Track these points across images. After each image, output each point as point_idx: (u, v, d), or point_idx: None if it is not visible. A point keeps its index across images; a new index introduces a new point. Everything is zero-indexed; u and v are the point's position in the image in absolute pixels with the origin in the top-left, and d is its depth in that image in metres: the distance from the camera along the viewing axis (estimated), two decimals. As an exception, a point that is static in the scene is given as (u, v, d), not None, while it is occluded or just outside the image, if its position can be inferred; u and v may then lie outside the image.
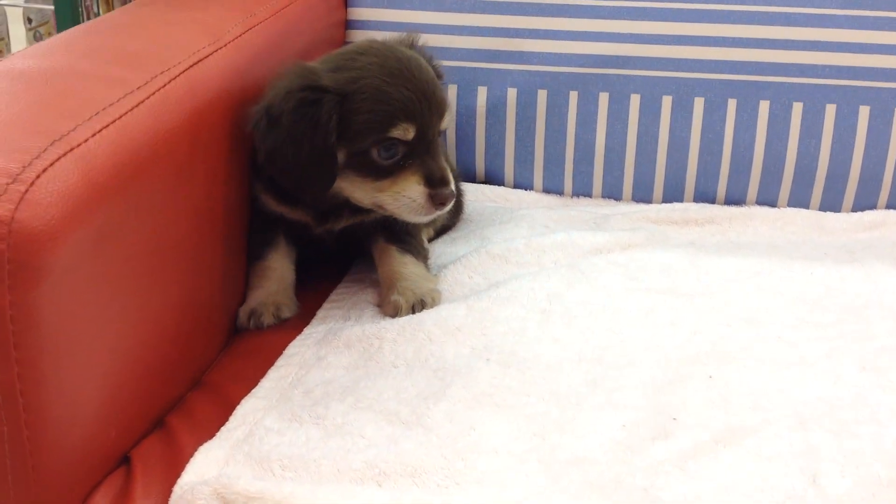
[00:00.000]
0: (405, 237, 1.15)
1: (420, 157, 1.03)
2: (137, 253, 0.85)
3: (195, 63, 0.99)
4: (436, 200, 1.03)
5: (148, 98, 0.89)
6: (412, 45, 1.12)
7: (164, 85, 0.92)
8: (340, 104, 1.00)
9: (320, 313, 1.13)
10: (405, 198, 1.03)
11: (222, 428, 0.91)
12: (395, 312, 1.08)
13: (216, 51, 1.03)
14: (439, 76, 1.10)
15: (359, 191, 1.05)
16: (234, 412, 0.93)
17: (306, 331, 1.09)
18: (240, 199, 1.09)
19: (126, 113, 0.85)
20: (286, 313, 1.11)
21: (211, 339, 1.05)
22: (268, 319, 1.09)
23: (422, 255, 1.17)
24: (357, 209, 1.11)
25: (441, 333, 1.02)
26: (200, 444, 0.88)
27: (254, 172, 1.10)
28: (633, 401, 0.90)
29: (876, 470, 0.80)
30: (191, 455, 0.86)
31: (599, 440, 0.85)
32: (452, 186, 1.05)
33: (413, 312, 1.07)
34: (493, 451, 0.84)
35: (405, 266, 1.13)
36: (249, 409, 0.93)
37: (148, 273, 0.88)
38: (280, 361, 1.02)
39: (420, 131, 1.02)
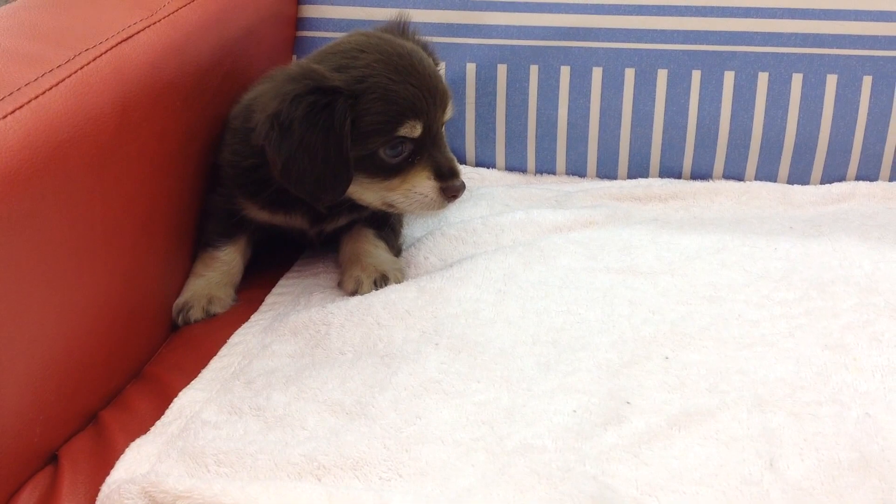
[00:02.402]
0: (386, 228, 1.14)
1: (427, 151, 1.01)
2: (57, 241, 0.81)
3: (124, 39, 0.94)
4: (448, 193, 1.02)
5: (68, 77, 0.85)
6: (404, 31, 1.08)
7: (88, 63, 0.88)
8: (352, 106, 0.96)
9: (269, 299, 1.09)
10: (417, 194, 1.01)
11: (157, 422, 0.87)
12: (355, 287, 1.06)
13: (148, 27, 0.98)
14: (436, 63, 1.07)
15: (368, 192, 1.02)
16: (171, 405, 0.89)
17: (253, 318, 1.05)
18: (183, 182, 1.05)
19: (42, 93, 0.81)
20: (217, 308, 1.06)
21: (152, 328, 1.01)
22: (196, 314, 1.05)
23: (394, 249, 1.15)
24: (355, 207, 1.08)
25: (390, 317, 0.98)
26: (134, 439, 0.84)
27: (232, 181, 1.06)
28: (585, 385, 0.86)
29: (836, 453, 0.77)
30: (123, 451, 0.82)
31: (549, 427, 0.81)
32: (462, 177, 1.02)
33: (375, 286, 1.05)
34: (438, 441, 0.81)
35: (376, 248, 1.11)
36: (187, 402, 0.89)
37: (72, 262, 0.83)
38: (223, 351, 0.98)
39: (426, 127, 1.00)
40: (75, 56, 0.87)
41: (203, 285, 1.07)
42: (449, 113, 1.04)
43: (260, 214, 1.08)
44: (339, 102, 0.95)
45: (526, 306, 0.99)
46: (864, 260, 1.05)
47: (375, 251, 1.11)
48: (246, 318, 1.04)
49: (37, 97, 0.80)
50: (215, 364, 0.95)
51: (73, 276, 0.84)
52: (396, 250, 1.14)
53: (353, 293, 1.05)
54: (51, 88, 0.82)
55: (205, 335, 1.02)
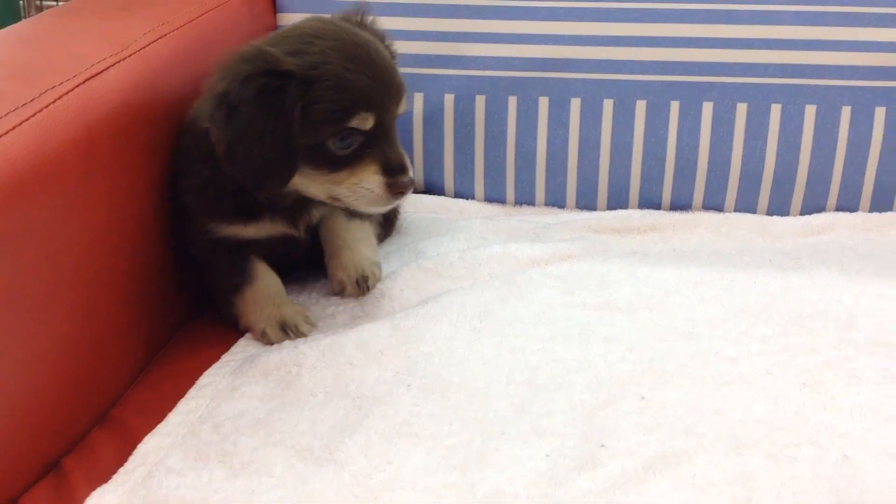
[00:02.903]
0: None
1: (378, 145, 0.97)
2: (19, 284, 0.79)
3: (93, 76, 0.92)
4: (394, 189, 0.97)
5: (33, 116, 0.83)
6: (362, 24, 1.05)
7: (54, 101, 0.86)
8: (304, 92, 0.92)
9: (241, 340, 1.06)
10: (363, 189, 0.97)
11: (120, 469, 0.84)
12: (340, 289, 1.09)
13: (118, 62, 0.97)
14: (392, 56, 1.04)
15: (314, 185, 0.98)
16: (135, 451, 0.87)
17: (224, 358, 1.03)
18: (152, 220, 1.03)
19: (5, 133, 0.79)
20: (313, 320, 1.06)
21: (118, 370, 0.99)
22: (305, 327, 1.04)
23: (370, 219, 1.13)
24: (317, 203, 1.05)
25: (363, 357, 0.96)
26: (96, 488, 0.81)
27: (198, 207, 1.03)
28: (560, 427, 0.84)
29: (813, 497, 0.75)
30: (84, 501, 0.79)
31: (522, 472, 0.79)
32: (412, 173, 0.99)
33: (358, 287, 1.07)
34: (409, 487, 0.79)
35: (348, 231, 1.09)
36: (152, 448, 0.87)
37: (34, 304, 0.82)
38: (191, 393, 0.96)
39: (378, 119, 0.96)
40: (41, 94, 0.86)
41: (274, 311, 1.04)
42: (403, 107, 1.01)
43: (235, 230, 1.04)
44: (290, 87, 0.92)
45: (501, 344, 0.97)
46: (844, 294, 1.04)
47: (347, 236, 1.09)
48: (216, 358, 1.02)
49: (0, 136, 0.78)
50: (182, 407, 0.93)
51: (36, 319, 0.82)
52: (372, 220, 1.14)
53: (340, 294, 1.10)
54: (14, 128, 0.80)
55: (173, 376, 1.00)
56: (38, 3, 2.41)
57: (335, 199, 1.00)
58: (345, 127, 0.95)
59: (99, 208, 0.91)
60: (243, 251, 1.06)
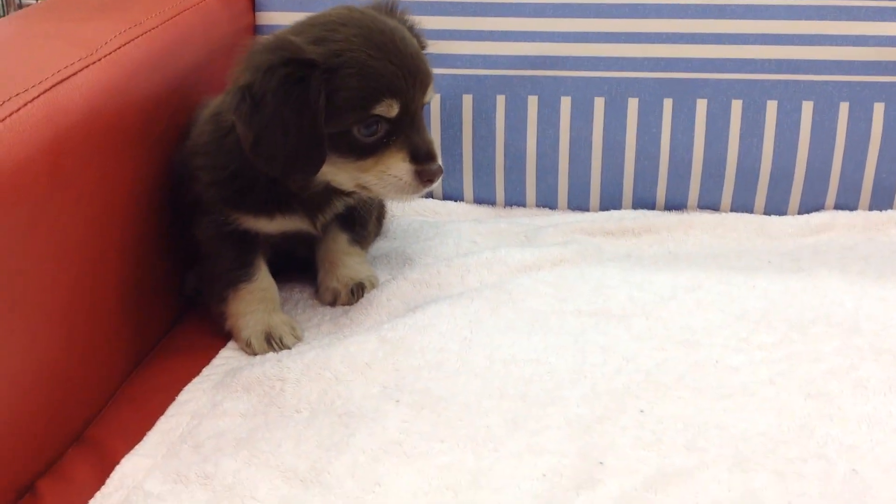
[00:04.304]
0: (359, 229, 1.12)
1: (405, 132, 0.95)
2: (-19, 304, 0.75)
3: (59, 82, 0.88)
4: (423, 177, 0.96)
5: (-4, 125, 0.78)
6: (391, 11, 1.03)
7: (18, 109, 0.81)
8: (328, 80, 0.91)
9: (224, 352, 1.02)
10: (391, 176, 0.95)
11: (97, 493, 0.81)
12: (333, 299, 1.09)
13: (85, 67, 0.92)
14: (422, 46, 1.02)
15: (341, 172, 0.97)
16: (113, 473, 0.83)
17: (205, 371, 0.99)
18: (130, 231, 0.98)
19: (-35, 144, 0.74)
20: (300, 332, 1.03)
21: (95, 387, 0.94)
22: (290, 340, 1.01)
23: (366, 245, 1.16)
24: (342, 193, 1.03)
25: (349, 371, 0.92)
26: (70, 515, 0.77)
27: (219, 201, 1.01)
28: (556, 444, 0.81)
29: (823, 516, 0.72)
30: (57, 529, 0.76)
31: (517, 493, 0.76)
32: (440, 161, 0.97)
33: (352, 296, 1.08)
34: (399, 511, 0.75)
35: (349, 256, 1.10)
36: (130, 470, 0.83)
37: (4, 325, 0.77)
38: (171, 410, 0.92)
39: (404, 107, 0.94)
40: (3, 102, 0.81)
41: (262, 318, 1.02)
42: (429, 95, 0.99)
43: (259, 223, 1.03)
44: (314, 76, 0.90)
45: (493, 355, 0.93)
46: (846, 297, 1.00)
47: (349, 260, 1.10)
48: (197, 371, 0.98)
49: (-43, 149, 0.74)
50: (162, 425, 0.89)
51: (4, 339, 0.78)
52: (368, 244, 1.17)
53: (332, 304, 1.09)
54: (-26, 139, 0.76)
55: (152, 392, 0.96)
56: (17, 1, 2.36)
57: (363, 187, 0.98)
58: (369, 114, 0.93)
59: (69, 220, 0.87)
60: (252, 246, 1.05)
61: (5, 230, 0.77)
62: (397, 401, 0.87)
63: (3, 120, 0.79)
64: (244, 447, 0.83)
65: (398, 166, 0.95)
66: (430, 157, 0.96)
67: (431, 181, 0.97)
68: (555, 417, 0.84)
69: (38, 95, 0.85)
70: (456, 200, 1.35)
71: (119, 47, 0.99)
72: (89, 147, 0.89)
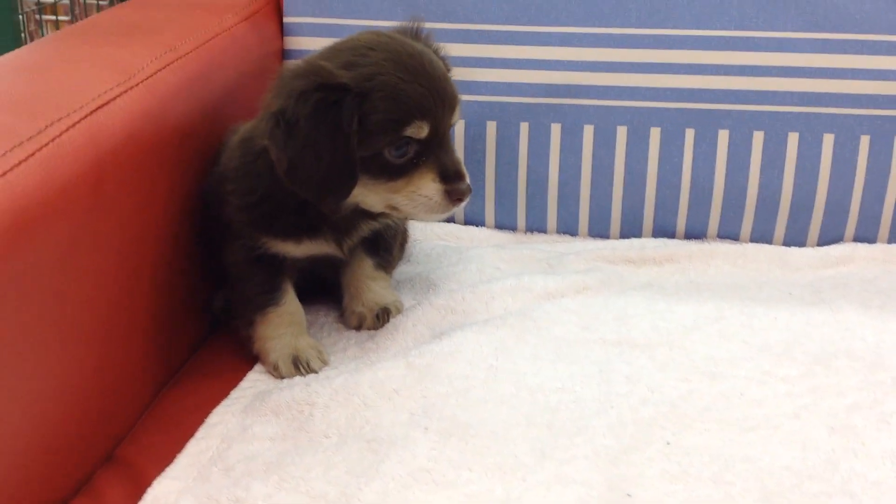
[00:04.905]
0: (384, 253, 1.13)
1: (433, 153, 0.97)
2: (24, 324, 0.76)
3: (99, 107, 0.90)
4: (453, 196, 0.97)
5: (39, 150, 0.80)
6: (416, 36, 1.05)
7: (60, 134, 0.83)
8: (360, 104, 0.93)
9: (251, 375, 1.04)
10: (421, 196, 0.97)
11: (129, 516, 0.82)
12: (359, 323, 1.11)
13: (124, 92, 0.94)
14: (447, 69, 1.04)
15: (372, 194, 0.99)
16: (144, 496, 0.84)
17: (233, 394, 1.00)
18: (164, 252, 1.00)
19: (10, 169, 0.76)
20: (326, 357, 1.05)
21: (126, 407, 0.96)
22: (317, 364, 1.03)
23: (391, 270, 1.17)
24: (369, 216, 1.05)
25: (377, 397, 0.93)
26: (103, 536, 0.78)
27: (248, 225, 1.03)
28: (583, 474, 0.81)
29: (850, 553, 0.73)
30: (91, 551, 0.77)
31: (546, 524, 0.77)
32: (468, 180, 0.99)
33: (378, 321, 1.09)
34: (429, 539, 0.76)
35: (375, 281, 1.12)
36: (161, 492, 0.84)
37: (40, 344, 0.79)
38: (201, 432, 0.93)
39: (433, 128, 0.96)
40: (47, 127, 0.83)
41: (289, 342, 1.04)
42: (456, 116, 1.01)
43: (287, 247, 1.04)
44: (346, 100, 0.92)
45: (519, 383, 0.95)
46: (867, 331, 1.01)
47: (374, 285, 1.11)
48: (225, 394, 1.00)
49: (4, 174, 0.75)
50: (192, 448, 0.90)
51: (42, 358, 0.79)
52: (392, 268, 1.17)
53: (357, 328, 1.10)
54: (20, 164, 0.77)
55: (180, 413, 0.97)
56: (37, 17, 2.39)
57: (393, 207, 1.00)
58: (400, 136, 0.95)
59: (107, 243, 0.88)
60: (280, 270, 1.06)
61: (50, 251, 0.78)
62: (426, 428, 0.88)
63: (47, 144, 0.81)
64: (274, 472, 0.84)
65: (428, 186, 0.97)
66: (459, 176, 0.98)
67: (461, 200, 0.98)
68: (582, 447, 0.85)
69: (80, 120, 0.86)
70: (477, 225, 1.37)
71: (155, 72, 1.00)
72: (128, 170, 0.91)
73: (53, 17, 2.43)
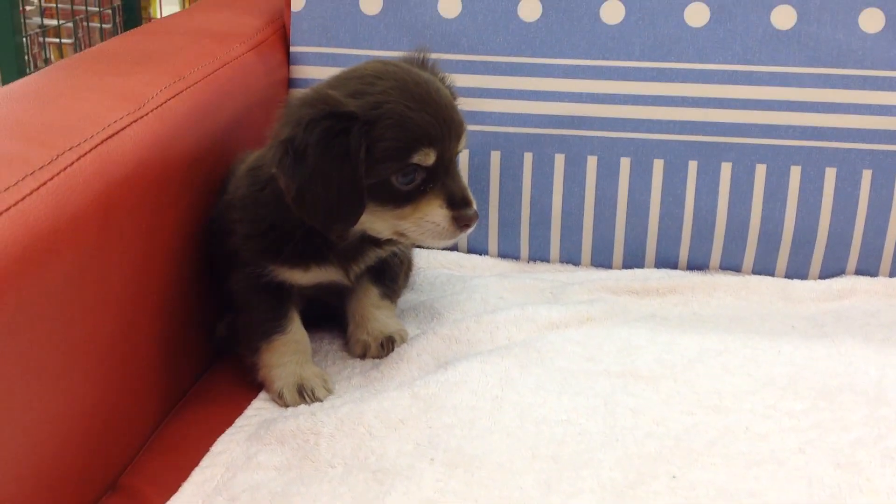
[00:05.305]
0: (389, 283, 1.14)
1: (440, 180, 0.98)
2: (30, 352, 0.76)
3: (109, 136, 0.90)
4: (460, 222, 0.98)
5: (51, 180, 0.81)
6: (423, 65, 1.06)
7: (72, 163, 0.84)
8: (367, 132, 0.94)
9: (256, 403, 1.04)
10: (428, 223, 0.98)
11: (135, 546, 0.81)
12: (363, 351, 1.10)
13: (135, 121, 0.94)
14: (454, 97, 1.05)
15: (379, 221, 0.99)
16: (149, 526, 0.84)
17: (238, 422, 1.00)
18: (169, 282, 1.00)
19: (23, 199, 0.77)
20: (331, 385, 1.05)
21: (130, 435, 0.96)
22: (321, 392, 1.03)
23: (396, 299, 1.17)
24: (375, 244, 1.06)
25: (382, 427, 0.93)
26: (108, 567, 0.78)
27: (255, 254, 1.03)
28: (590, 509, 0.81)
29: (857, 591, 0.73)
30: (95, 582, 0.76)
31: (553, 559, 0.76)
32: (475, 206, 1.00)
33: (382, 350, 1.09)
34: (435, 573, 0.76)
35: (380, 309, 1.12)
36: (166, 523, 0.84)
37: (46, 372, 0.79)
38: (205, 461, 0.93)
39: (440, 155, 0.97)
40: (58, 156, 0.84)
41: (294, 370, 1.04)
42: (463, 143, 1.02)
43: (294, 275, 1.05)
44: (354, 128, 0.93)
45: (524, 415, 0.95)
46: (870, 366, 1.02)
47: (379, 313, 1.11)
48: (230, 422, 0.99)
49: (16, 203, 0.76)
50: (196, 477, 0.90)
51: (47, 386, 0.79)
52: (398, 297, 1.18)
53: (362, 356, 1.10)
54: (31, 193, 0.78)
55: (184, 441, 0.97)
56: (40, 40, 2.41)
57: (401, 234, 1.01)
58: (407, 163, 0.96)
59: (113, 271, 0.89)
60: (286, 298, 1.06)
61: (57, 280, 0.79)
62: (432, 459, 0.88)
63: (59, 173, 0.82)
64: (279, 502, 0.84)
65: (435, 213, 0.98)
66: (466, 202, 0.99)
67: (468, 226, 0.99)
68: (588, 481, 0.85)
69: (92, 149, 0.87)
70: (481, 254, 1.37)
71: (165, 101, 1.01)
72: (137, 199, 0.91)
73: (57, 40, 2.45)
